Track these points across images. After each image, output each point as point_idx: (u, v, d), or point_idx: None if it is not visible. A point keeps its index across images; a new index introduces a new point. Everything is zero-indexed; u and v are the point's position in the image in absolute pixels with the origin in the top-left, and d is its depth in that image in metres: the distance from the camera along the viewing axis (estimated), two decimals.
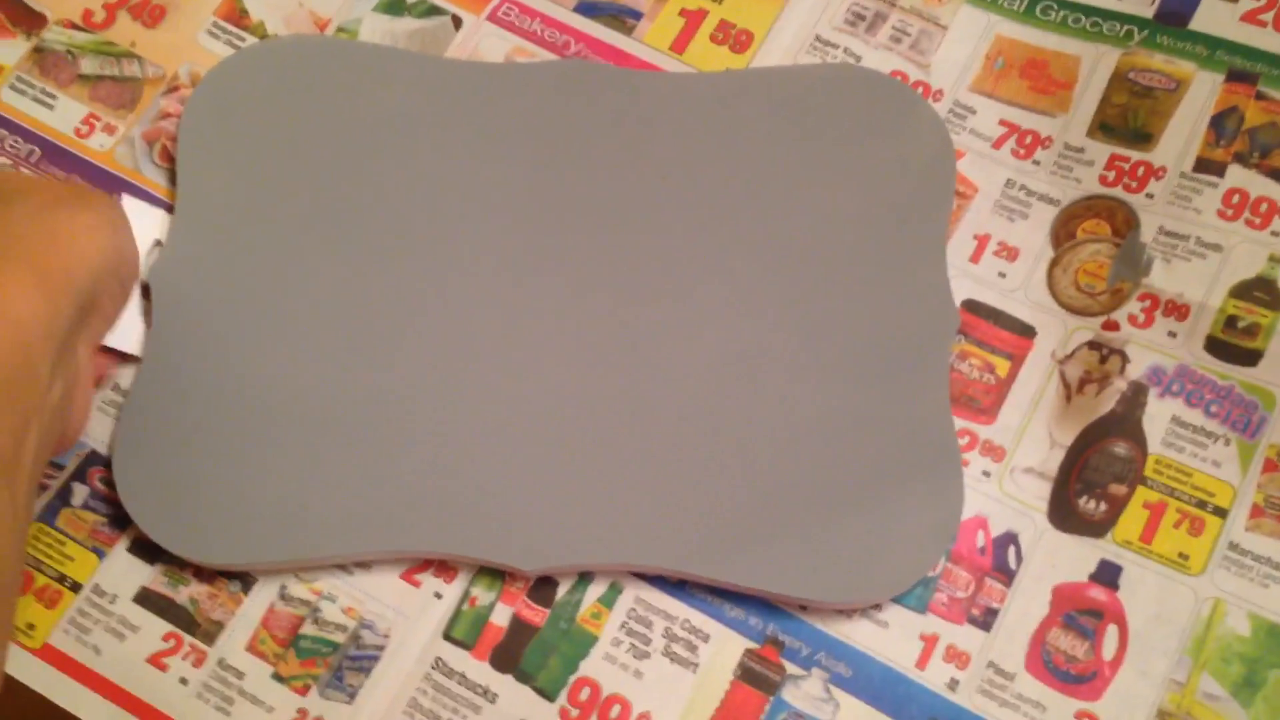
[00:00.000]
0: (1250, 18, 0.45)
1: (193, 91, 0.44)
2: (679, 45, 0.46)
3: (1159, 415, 0.40)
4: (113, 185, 0.44)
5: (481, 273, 0.42)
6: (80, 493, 0.40)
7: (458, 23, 0.47)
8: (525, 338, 0.41)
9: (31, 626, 0.38)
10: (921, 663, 0.38)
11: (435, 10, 0.47)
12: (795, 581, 0.38)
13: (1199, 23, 0.45)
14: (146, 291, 0.41)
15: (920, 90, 0.45)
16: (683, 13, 0.47)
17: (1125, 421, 0.40)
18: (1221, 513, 0.39)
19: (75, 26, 0.46)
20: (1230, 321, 0.41)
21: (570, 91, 0.44)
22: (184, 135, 0.43)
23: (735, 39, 0.46)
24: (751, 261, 0.42)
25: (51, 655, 0.38)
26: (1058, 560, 0.39)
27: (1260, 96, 0.43)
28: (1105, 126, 0.44)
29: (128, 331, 0.40)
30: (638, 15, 0.47)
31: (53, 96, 0.45)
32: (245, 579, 0.39)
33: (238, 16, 0.46)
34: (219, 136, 0.43)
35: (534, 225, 0.42)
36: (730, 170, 0.43)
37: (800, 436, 0.39)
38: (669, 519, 0.38)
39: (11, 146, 0.44)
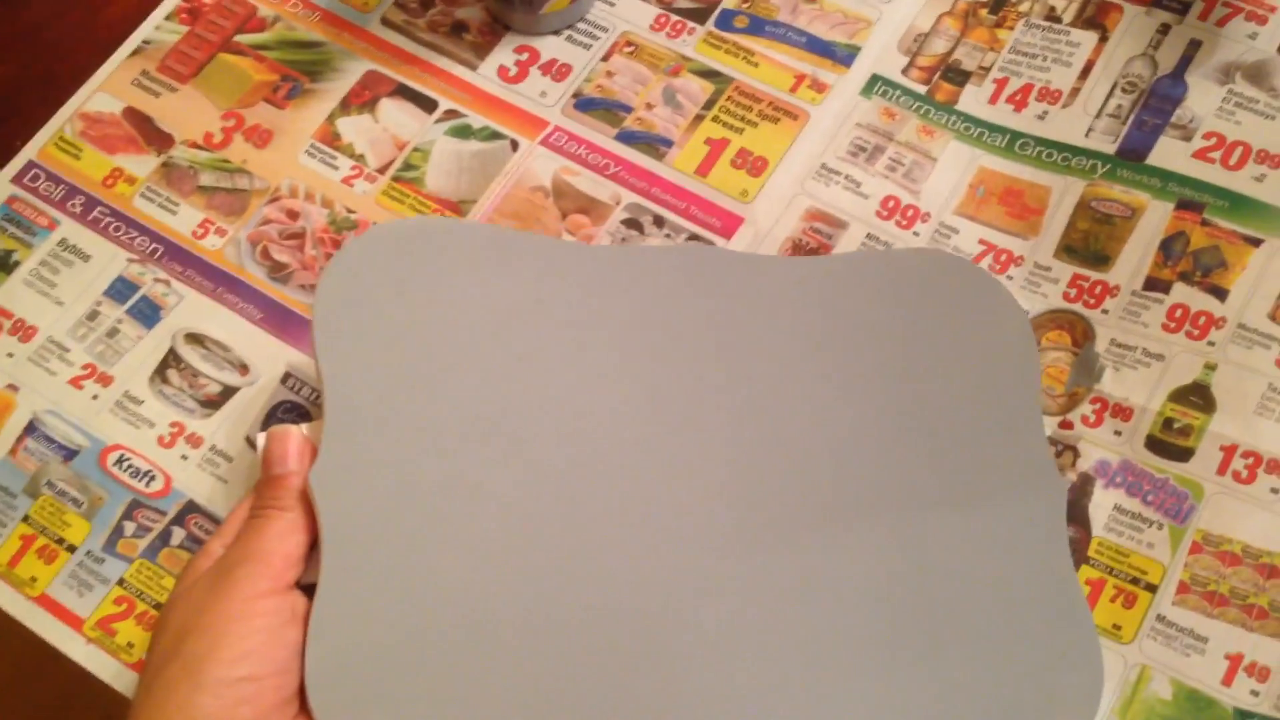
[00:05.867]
0: (1201, 155, 0.51)
1: (321, 277, 0.45)
2: (703, 169, 0.54)
3: (1103, 503, 0.46)
4: (221, 280, 0.53)
5: (659, 466, 0.43)
6: (178, 535, 0.48)
7: (514, 146, 0.55)
8: (703, 534, 0.42)
9: (130, 645, 0.46)
10: None
11: (496, 135, 0.55)
12: None
13: (1155, 158, 0.51)
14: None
15: (911, 212, 0.52)
16: (707, 141, 0.55)
17: (1074, 508, 0.46)
18: (1152, 588, 0.44)
19: (197, 146, 0.55)
20: (1168, 423, 0.47)
21: (690, 273, 0.47)
22: (320, 322, 0.44)
23: (752, 165, 0.54)
24: (865, 441, 0.44)
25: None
26: None
27: (1205, 223, 0.50)
28: (1069, 249, 0.51)
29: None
30: (669, 143, 0.55)
31: (176, 204, 0.54)
32: None
33: (331, 139, 0.55)
34: (354, 325, 0.44)
35: (692, 422, 0.44)
36: (838, 349, 0.46)
37: (941, 620, 0.41)
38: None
39: (139, 244, 0.53)
